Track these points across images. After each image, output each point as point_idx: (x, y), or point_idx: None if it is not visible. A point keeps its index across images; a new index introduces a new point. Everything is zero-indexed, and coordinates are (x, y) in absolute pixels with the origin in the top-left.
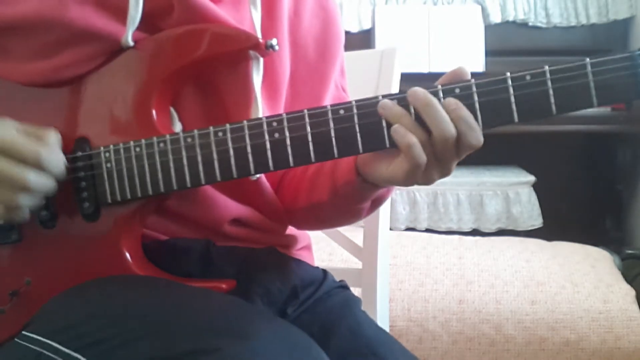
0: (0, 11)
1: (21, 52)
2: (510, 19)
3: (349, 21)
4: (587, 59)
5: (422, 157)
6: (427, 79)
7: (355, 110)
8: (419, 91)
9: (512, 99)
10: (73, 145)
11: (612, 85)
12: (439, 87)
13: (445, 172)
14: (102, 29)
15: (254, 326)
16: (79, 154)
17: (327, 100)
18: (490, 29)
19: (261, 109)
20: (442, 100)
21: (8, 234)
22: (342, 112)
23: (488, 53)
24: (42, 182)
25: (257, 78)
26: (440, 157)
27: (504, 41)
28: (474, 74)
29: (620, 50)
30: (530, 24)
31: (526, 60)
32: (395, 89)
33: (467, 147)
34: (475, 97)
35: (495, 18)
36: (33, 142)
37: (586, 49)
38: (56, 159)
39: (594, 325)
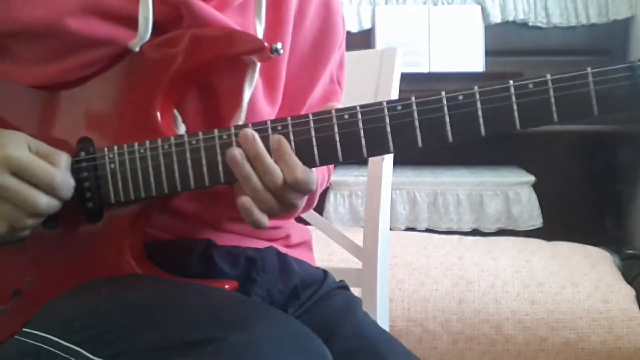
0: (9, 15)
1: (28, 56)
2: (510, 19)
3: (349, 21)
4: (589, 69)
5: (261, 218)
6: (427, 79)
7: (359, 116)
8: (248, 135)
9: (515, 106)
10: (76, 146)
11: (613, 95)
12: (443, 94)
13: (290, 208)
14: (107, 37)
15: (258, 318)
16: (83, 154)
17: (314, 98)
18: (490, 29)
19: (244, 117)
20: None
21: None
22: (346, 116)
23: (488, 53)
24: (51, 206)
25: (248, 87)
26: (279, 199)
27: (504, 41)
28: (474, 74)
29: (621, 53)
30: (530, 24)
31: (526, 60)
32: (395, 89)
33: (292, 187)
34: (478, 104)
35: (495, 18)
36: (47, 165)
37: (586, 49)
38: (68, 184)
39: (594, 325)
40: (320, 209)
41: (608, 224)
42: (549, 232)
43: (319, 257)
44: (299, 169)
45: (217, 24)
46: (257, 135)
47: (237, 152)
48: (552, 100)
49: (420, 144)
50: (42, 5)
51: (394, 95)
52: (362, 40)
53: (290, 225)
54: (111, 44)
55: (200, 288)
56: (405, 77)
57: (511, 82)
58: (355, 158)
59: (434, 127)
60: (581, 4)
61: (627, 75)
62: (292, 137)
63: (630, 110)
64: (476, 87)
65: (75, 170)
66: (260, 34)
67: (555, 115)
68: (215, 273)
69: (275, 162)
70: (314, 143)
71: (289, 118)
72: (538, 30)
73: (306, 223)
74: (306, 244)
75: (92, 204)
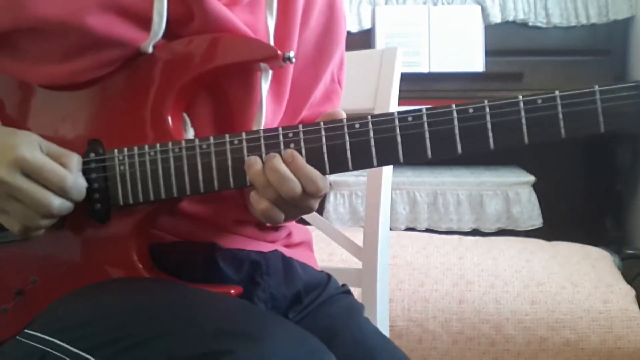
0: (24, 11)
1: (39, 54)
2: (510, 19)
3: (349, 21)
4: (596, 87)
5: (279, 216)
6: (427, 79)
7: (370, 125)
8: (270, 156)
9: (524, 121)
10: (86, 147)
11: (620, 113)
12: (453, 106)
13: (307, 211)
14: (123, 36)
15: (266, 328)
16: (92, 155)
17: (315, 97)
18: (490, 29)
19: (264, 122)
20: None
21: None
22: (357, 125)
23: (488, 53)
24: (64, 208)
25: (265, 90)
26: (297, 205)
27: (504, 41)
28: (474, 74)
29: (621, 53)
30: (530, 24)
31: (526, 60)
32: (395, 89)
33: (311, 195)
34: (488, 118)
35: (495, 18)
36: (59, 167)
37: (586, 49)
38: (80, 185)
39: (594, 325)
40: (320, 209)
41: (608, 224)
42: (549, 232)
43: (319, 257)
44: (319, 178)
45: (227, 22)
46: (278, 156)
47: (259, 165)
48: (560, 116)
49: (429, 155)
50: (59, 2)
51: (394, 95)
52: (362, 40)
53: (291, 224)
54: (124, 45)
55: (209, 295)
56: (405, 77)
57: (520, 96)
58: (365, 167)
59: (444, 139)
60: (581, 4)
61: (634, 94)
62: (302, 145)
63: (636, 128)
64: (486, 101)
65: (84, 171)
66: (271, 30)
67: (562, 131)
68: (219, 277)
69: (294, 174)
70: (325, 151)
71: (300, 126)
72: (538, 30)
73: (306, 223)
74: (307, 244)
75: (100, 205)
